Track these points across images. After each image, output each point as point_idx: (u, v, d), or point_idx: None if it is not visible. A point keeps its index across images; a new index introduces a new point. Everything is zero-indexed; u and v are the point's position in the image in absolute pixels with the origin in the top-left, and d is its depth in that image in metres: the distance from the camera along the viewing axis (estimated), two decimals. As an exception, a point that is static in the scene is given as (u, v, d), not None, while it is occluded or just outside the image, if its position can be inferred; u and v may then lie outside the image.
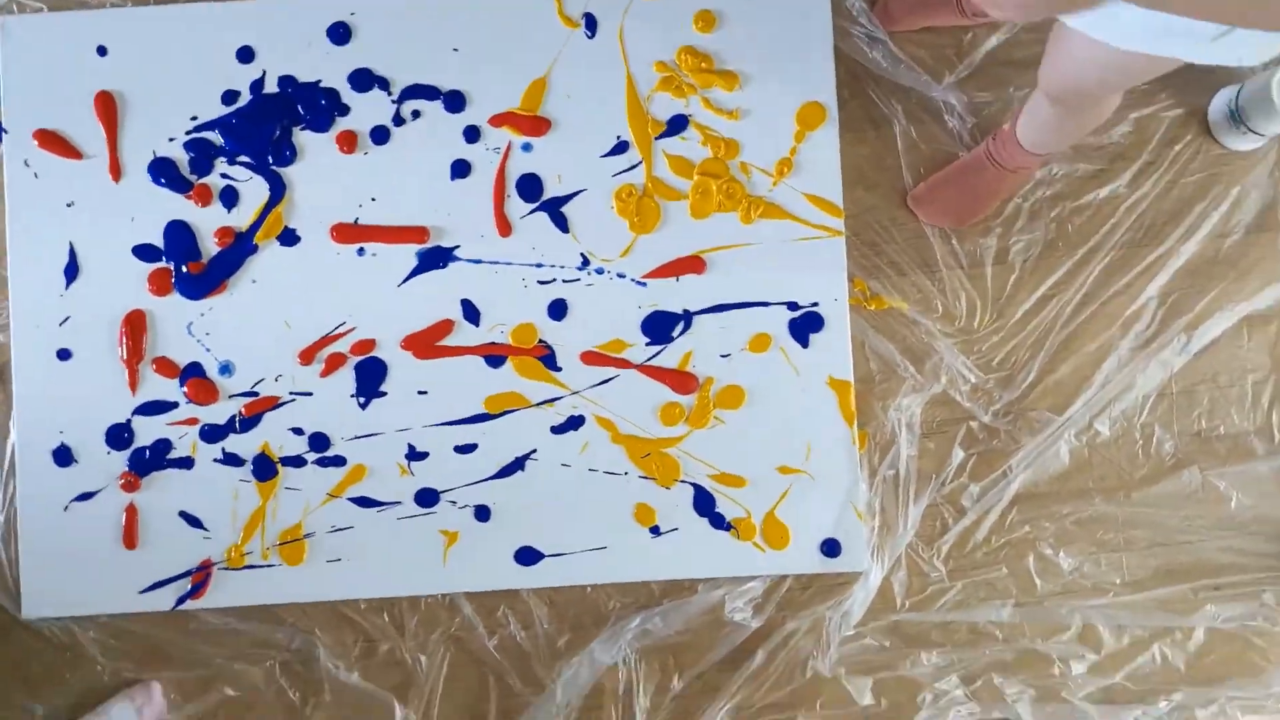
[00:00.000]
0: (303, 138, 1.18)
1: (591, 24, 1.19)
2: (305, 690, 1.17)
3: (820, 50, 1.19)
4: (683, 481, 1.18)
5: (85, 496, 1.17)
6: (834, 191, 1.19)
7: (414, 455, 1.18)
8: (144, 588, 1.17)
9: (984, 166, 1.14)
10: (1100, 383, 1.18)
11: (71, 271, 1.17)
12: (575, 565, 1.18)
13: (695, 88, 1.19)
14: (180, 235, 1.18)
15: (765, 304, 1.19)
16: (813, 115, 1.19)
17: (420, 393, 1.18)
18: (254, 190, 1.18)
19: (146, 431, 1.17)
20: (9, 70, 1.18)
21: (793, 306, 1.19)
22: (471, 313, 1.18)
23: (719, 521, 1.18)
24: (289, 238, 1.18)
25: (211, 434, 1.18)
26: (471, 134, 1.18)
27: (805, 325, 1.19)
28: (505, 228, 1.19)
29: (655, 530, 1.18)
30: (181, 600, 1.17)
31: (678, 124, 1.19)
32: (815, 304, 1.19)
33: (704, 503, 1.18)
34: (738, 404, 1.19)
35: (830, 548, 1.18)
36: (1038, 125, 1.04)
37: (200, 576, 1.17)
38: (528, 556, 1.18)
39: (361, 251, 1.18)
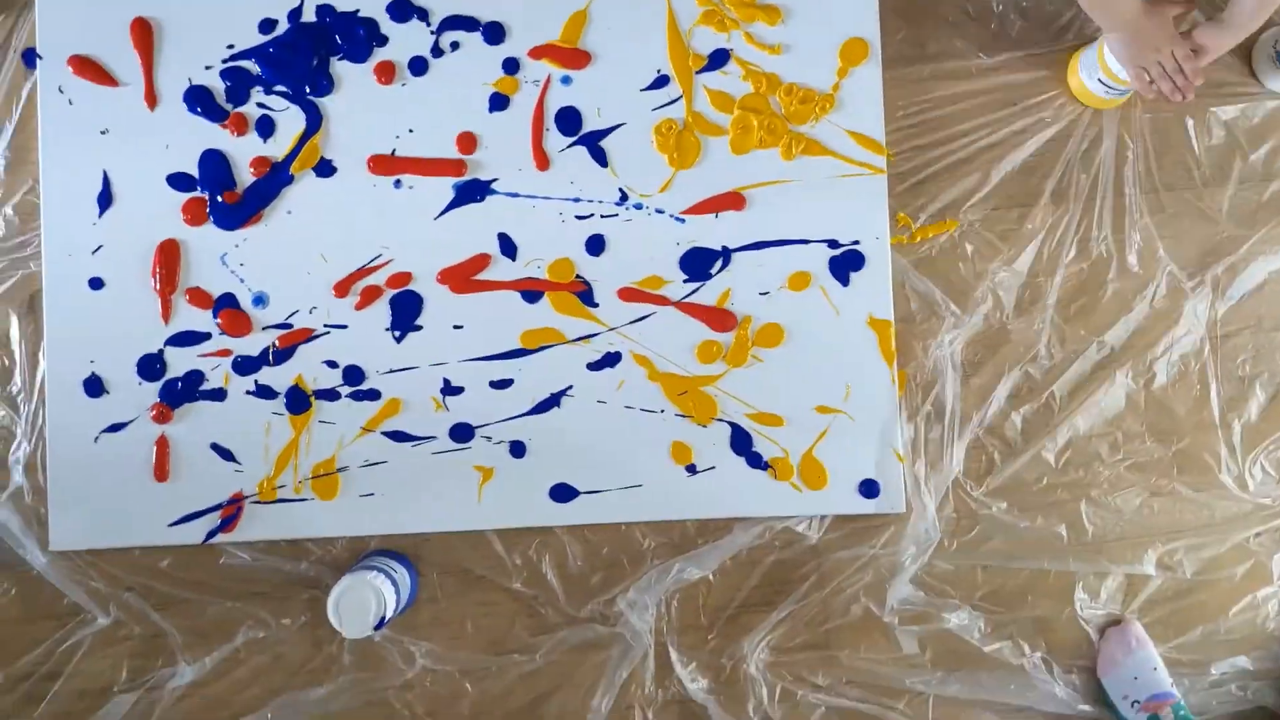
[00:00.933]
0: (340, 68, 1.17)
1: (633, -44, 1.18)
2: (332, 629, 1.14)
3: (863, -14, 1.18)
4: (720, 420, 1.17)
5: (116, 428, 1.16)
6: (876, 129, 1.18)
7: (449, 390, 1.17)
8: (173, 520, 1.15)
9: None
10: (1140, 316, 1.17)
11: (105, 200, 1.16)
12: (610, 503, 1.17)
13: (737, 22, 1.18)
14: (215, 164, 1.16)
15: (805, 242, 1.18)
16: (856, 51, 1.17)
17: (456, 327, 1.17)
18: (290, 120, 1.17)
19: (179, 362, 1.16)
20: (43, -3, 1.17)
21: (833, 244, 1.17)
22: (508, 247, 1.17)
23: (756, 461, 1.17)
24: (325, 169, 1.17)
25: (244, 366, 1.16)
26: (511, 66, 1.17)
27: (845, 263, 1.17)
28: (543, 161, 1.17)
29: (691, 469, 1.17)
30: (212, 534, 1.15)
31: (719, 58, 1.18)
32: (856, 242, 1.17)
33: (741, 442, 1.17)
34: (776, 342, 1.17)
35: (869, 488, 1.17)
36: None
37: (231, 510, 1.15)
38: (563, 493, 1.16)
39: (398, 184, 1.17)
